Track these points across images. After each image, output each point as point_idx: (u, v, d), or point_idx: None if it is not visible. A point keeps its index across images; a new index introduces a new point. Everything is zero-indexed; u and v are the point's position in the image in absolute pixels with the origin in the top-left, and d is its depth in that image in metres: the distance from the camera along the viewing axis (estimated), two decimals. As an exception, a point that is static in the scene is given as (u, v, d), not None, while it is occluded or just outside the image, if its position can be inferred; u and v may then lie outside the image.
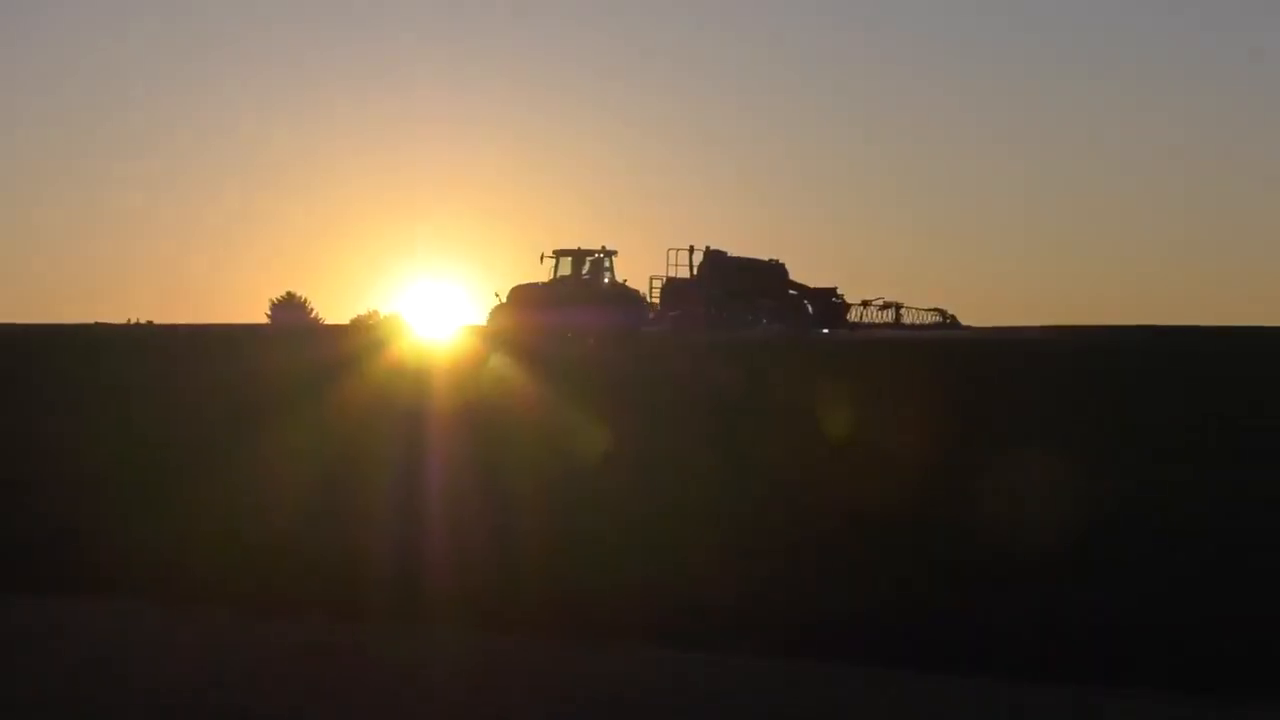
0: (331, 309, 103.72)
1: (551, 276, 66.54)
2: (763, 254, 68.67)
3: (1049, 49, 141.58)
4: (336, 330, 67.03)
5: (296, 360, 35.04)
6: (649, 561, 8.78)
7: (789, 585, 8.12)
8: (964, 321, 75.26)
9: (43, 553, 9.03)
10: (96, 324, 73.85)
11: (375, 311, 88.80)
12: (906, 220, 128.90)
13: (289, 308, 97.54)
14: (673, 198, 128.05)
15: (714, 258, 67.42)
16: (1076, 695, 6.49)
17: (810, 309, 67.63)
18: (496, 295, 67.33)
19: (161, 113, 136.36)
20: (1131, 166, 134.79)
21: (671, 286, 67.48)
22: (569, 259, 66.66)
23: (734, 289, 65.55)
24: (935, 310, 73.93)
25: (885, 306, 71.63)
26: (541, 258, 66.78)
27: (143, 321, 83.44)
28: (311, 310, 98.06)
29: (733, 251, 68.03)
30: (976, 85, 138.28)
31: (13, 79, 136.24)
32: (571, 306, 63.07)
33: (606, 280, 66.36)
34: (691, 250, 68.01)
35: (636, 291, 66.63)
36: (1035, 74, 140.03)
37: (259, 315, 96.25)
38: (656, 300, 67.68)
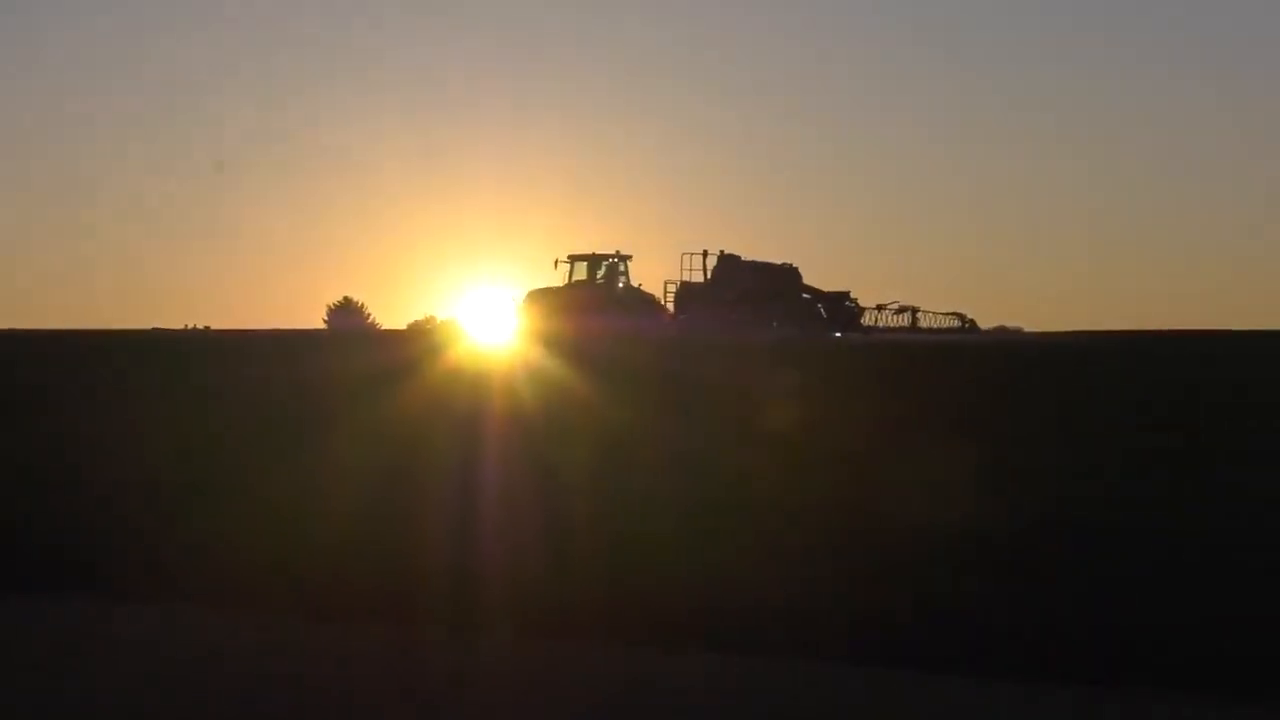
0: (389, 314, 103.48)
1: (566, 281, 66.56)
2: (777, 258, 68.55)
3: (1068, 51, 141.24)
4: (394, 335, 67.23)
5: (355, 365, 35.07)
6: (667, 565, 8.82)
7: (792, 587, 8.17)
8: (983, 325, 74.78)
9: (101, 556, 9.04)
10: (154, 329, 73.74)
11: (432, 317, 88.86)
12: (925, 224, 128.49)
13: (346, 313, 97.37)
14: (688, 202, 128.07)
15: (727, 262, 67.39)
16: (1076, 695, 6.52)
17: (823, 313, 67.45)
18: (513, 300, 67.42)
19: (217, 118, 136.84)
20: (1156, 168, 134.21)
21: (686, 291, 67.44)
22: (584, 264, 66.68)
23: (746, 293, 65.46)
24: (954, 314, 73.39)
25: (901, 310, 71.24)
26: (556, 263, 66.83)
27: (200, 327, 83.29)
28: (369, 315, 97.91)
29: (746, 256, 67.97)
30: (993, 87, 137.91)
31: (73, 83, 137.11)
32: (587, 311, 63.06)
33: (621, 285, 66.37)
34: (705, 254, 67.98)
35: (652, 296, 66.65)
36: (1055, 75, 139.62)
37: (316, 320, 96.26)
38: (671, 304, 67.61)
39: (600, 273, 66.51)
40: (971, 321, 73.09)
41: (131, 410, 20.52)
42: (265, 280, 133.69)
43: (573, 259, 66.71)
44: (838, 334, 64.59)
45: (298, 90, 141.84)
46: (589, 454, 14.69)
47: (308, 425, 18.12)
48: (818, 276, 72.12)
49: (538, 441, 16.20)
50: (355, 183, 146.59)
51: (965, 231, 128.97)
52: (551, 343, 53.65)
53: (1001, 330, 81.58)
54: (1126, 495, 11.46)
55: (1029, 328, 76.69)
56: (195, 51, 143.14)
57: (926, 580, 8.31)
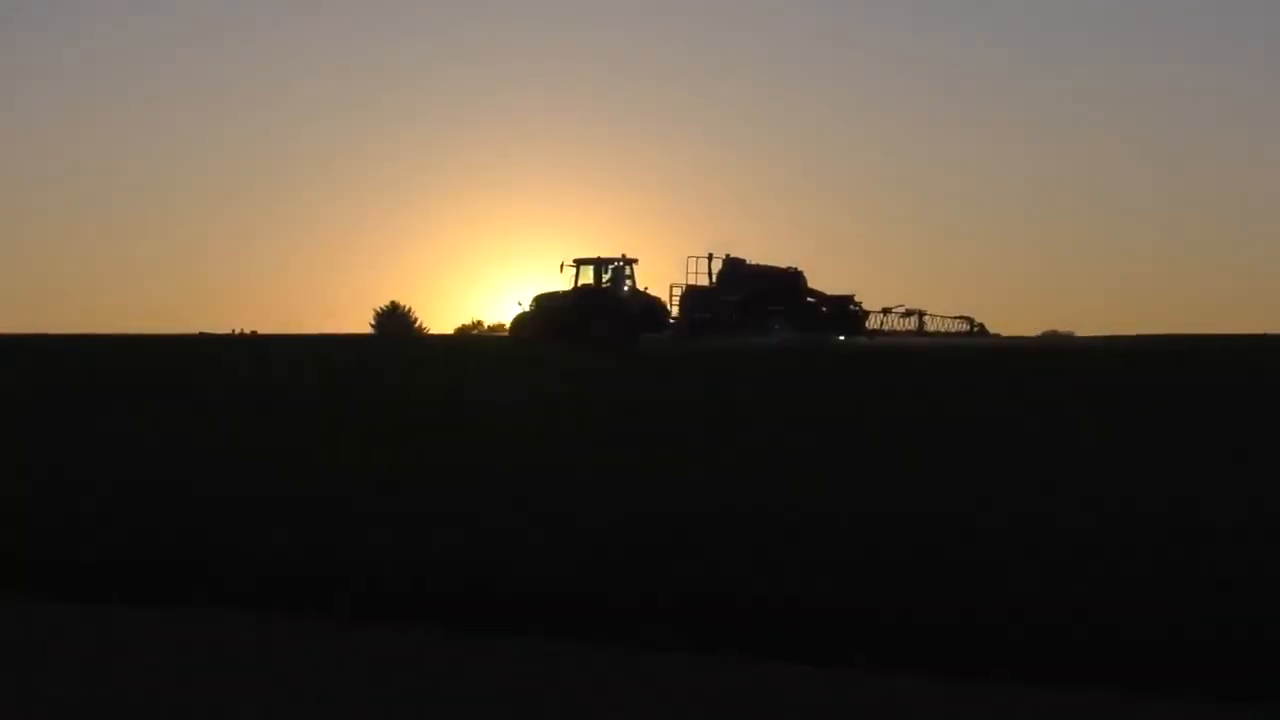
0: (435, 319, 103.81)
1: (572, 285, 66.68)
2: (782, 262, 68.64)
3: (1074, 54, 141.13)
4: (441, 339, 67.46)
5: (403, 370, 35.18)
6: (676, 565, 8.83)
7: (792, 586, 8.17)
8: (992, 330, 74.63)
9: (152, 568, 9.01)
10: (201, 334, 73.81)
11: (480, 321, 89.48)
12: (932, 227, 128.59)
13: (393, 317, 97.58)
14: (696, 205, 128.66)
15: (732, 266, 67.49)
16: (1077, 695, 6.52)
17: (828, 316, 67.44)
18: (519, 304, 67.49)
19: (263, 124, 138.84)
20: (1162, 170, 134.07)
21: (691, 294, 67.60)
22: (589, 267, 66.79)
23: (751, 297, 65.55)
24: (962, 318, 73.27)
25: (908, 314, 71.14)
26: (561, 266, 66.97)
27: (247, 331, 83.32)
28: (416, 320, 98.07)
29: (751, 260, 68.08)
30: (1000, 89, 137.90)
31: (137, 91, 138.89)
32: (593, 315, 63.18)
33: (627, 288, 66.43)
34: (710, 258, 68.14)
35: (657, 299, 66.70)
36: (1063, 77, 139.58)
37: (363, 325, 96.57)
38: (676, 308, 67.79)
39: (606, 276, 66.61)
40: (980, 325, 72.90)
41: (178, 414, 20.55)
42: (313, 284, 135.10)
43: (578, 262, 66.84)
44: (841, 337, 64.55)
45: (342, 100, 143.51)
46: (594, 455, 14.72)
47: (355, 427, 18.15)
48: (824, 280, 72.17)
49: (543, 442, 16.24)
50: (404, 190, 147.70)
51: (973, 235, 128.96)
52: (557, 346, 53.93)
53: (1053, 335, 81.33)
54: (1128, 497, 11.45)
55: (1080, 332, 76.38)
56: (252, 63, 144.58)
57: (925, 581, 8.32)
